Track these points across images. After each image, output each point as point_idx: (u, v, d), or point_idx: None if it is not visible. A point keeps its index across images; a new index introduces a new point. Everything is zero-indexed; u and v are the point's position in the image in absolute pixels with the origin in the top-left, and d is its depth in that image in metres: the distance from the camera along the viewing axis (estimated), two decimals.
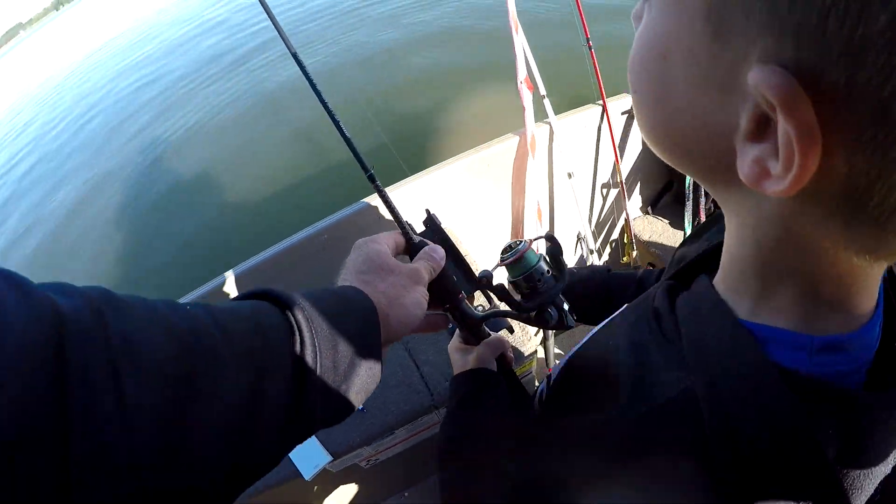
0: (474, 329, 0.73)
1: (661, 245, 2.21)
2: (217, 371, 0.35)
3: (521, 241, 0.67)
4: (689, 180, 2.05)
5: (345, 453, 1.39)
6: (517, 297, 0.67)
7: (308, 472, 1.35)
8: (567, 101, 2.24)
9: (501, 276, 0.67)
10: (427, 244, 0.64)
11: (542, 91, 1.92)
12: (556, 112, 1.97)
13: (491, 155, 1.95)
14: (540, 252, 0.67)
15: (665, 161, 0.36)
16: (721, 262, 0.40)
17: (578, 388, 0.51)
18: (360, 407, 1.37)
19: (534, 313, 0.66)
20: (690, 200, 2.07)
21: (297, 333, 0.43)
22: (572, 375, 0.54)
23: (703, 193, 2.03)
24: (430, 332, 0.71)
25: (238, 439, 0.36)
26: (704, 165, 0.33)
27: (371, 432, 1.38)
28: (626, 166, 2.23)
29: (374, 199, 1.62)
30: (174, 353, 0.33)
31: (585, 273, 0.92)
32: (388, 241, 0.61)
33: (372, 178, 0.67)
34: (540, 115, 1.95)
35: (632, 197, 2.33)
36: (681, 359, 0.37)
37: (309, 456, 1.36)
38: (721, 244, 0.40)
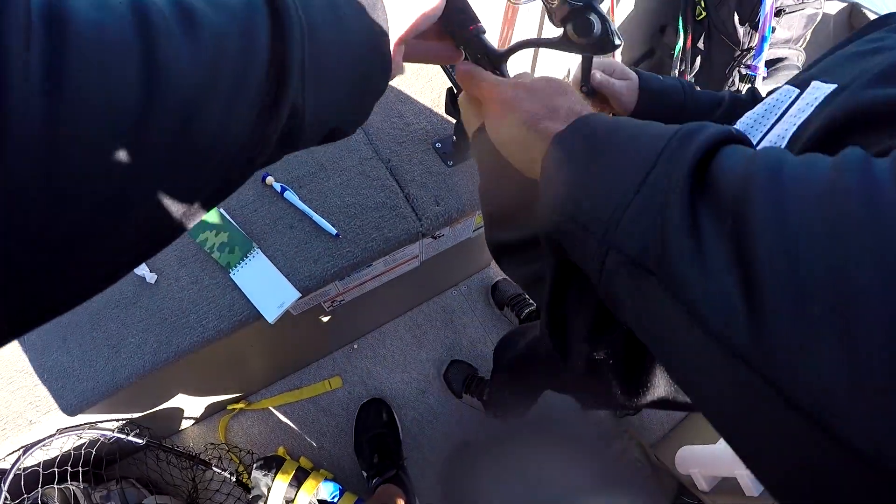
0: (496, 69, 0.57)
1: None
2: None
3: None
4: (678, 49, 1.87)
5: (314, 289, 1.11)
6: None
7: (272, 314, 1.06)
8: None
9: None
10: None
11: None
12: None
13: None
14: None
15: None
16: None
17: None
18: (335, 232, 1.09)
19: (569, 26, 0.49)
20: (677, 69, 1.93)
21: None
22: None
23: (688, 65, 1.89)
24: (436, 63, 0.63)
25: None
26: None
27: (345, 262, 1.11)
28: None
29: None
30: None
31: (659, 85, 0.82)
32: None
33: None
34: None
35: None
36: None
37: (273, 295, 1.07)
38: None
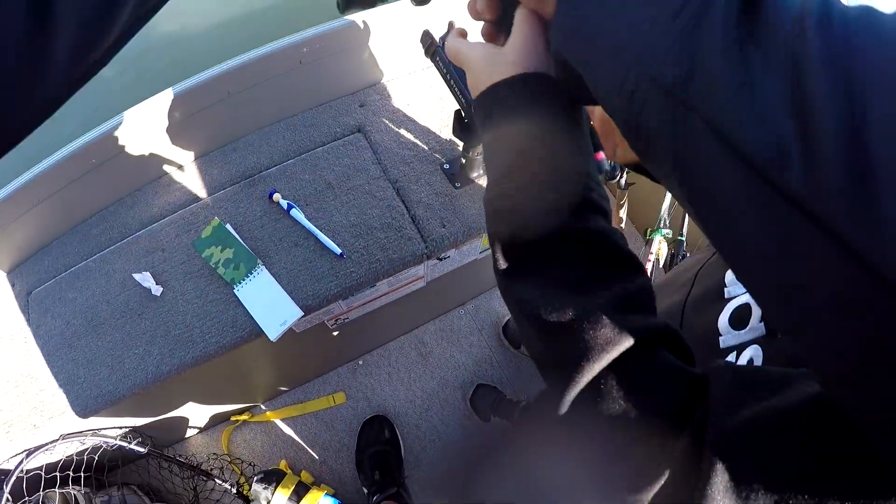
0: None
1: None
2: None
3: None
4: None
5: (317, 307, 1.12)
6: None
7: (274, 332, 1.07)
8: None
9: None
10: None
11: None
12: None
13: None
14: None
15: None
16: None
17: None
18: (340, 251, 1.10)
19: None
20: None
21: None
22: None
23: None
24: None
25: None
26: None
27: (349, 283, 1.12)
28: None
29: (363, 16, 1.25)
30: None
31: None
32: None
33: None
34: None
35: None
36: None
37: (275, 312, 1.08)
38: None
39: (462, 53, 0.48)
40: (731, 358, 0.55)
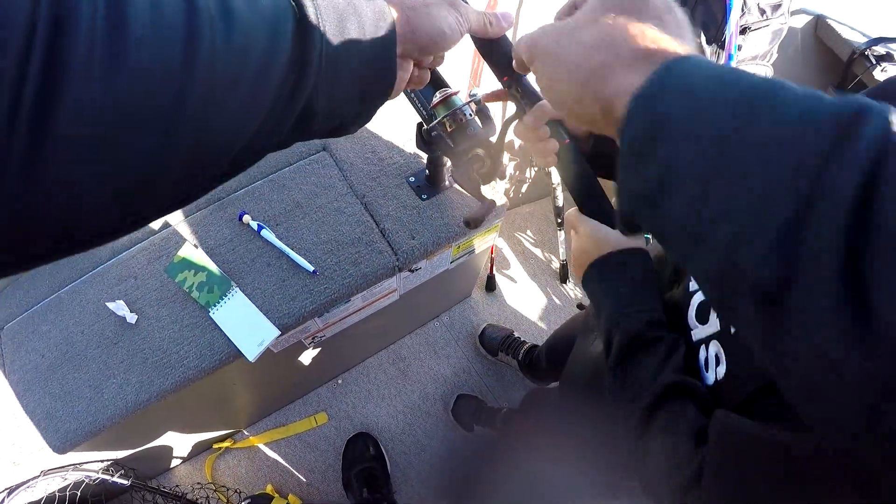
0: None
1: None
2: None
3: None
4: None
5: (294, 326, 1.14)
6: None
7: (252, 353, 1.08)
8: None
9: None
10: None
11: None
12: None
13: None
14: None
15: None
16: None
17: None
18: (312, 269, 1.12)
19: None
20: None
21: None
22: None
23: None
24: (492, 101, 0.68)
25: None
26: None
27: (324, 299, 1.14)
28: None
29: None
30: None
31: None
32: None
33: None
34: None
35: None
36: None
37: (252, 333, 1.10)
38: None
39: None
40: (701, 351, 0.59)
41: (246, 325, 1.10)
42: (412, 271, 1.30)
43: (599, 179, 0.55)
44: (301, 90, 0.40)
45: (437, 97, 0.70)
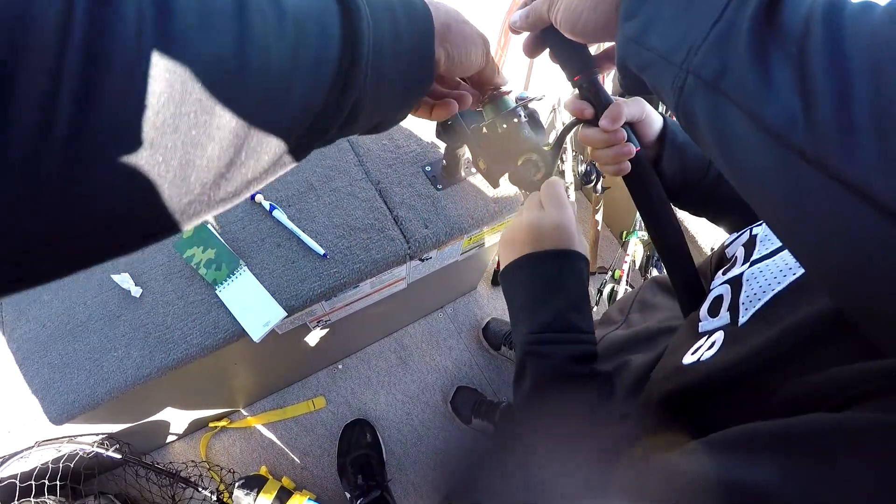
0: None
1: None
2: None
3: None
4: None
5: (300, 308, 1.12)
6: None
7: (257, 333, 1.06)
8: None
9: None
10: None
11: None
12: None
13: None
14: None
15: None
16: None
17: None
18: (323, 252, 1.10)
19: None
20: None
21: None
22: None
23: None
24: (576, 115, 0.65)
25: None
26: None
27: (332, 283, 1.12)
28: None
29: None
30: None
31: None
32: None
33: None
34: None
35: None
36: None
37: (258, 313, 1.08)
38: None
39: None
40: (702, 340, 0.57)
41: (252, 305, 1.08)
42: (422, 260, 1.28)
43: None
44: (350, 87, 0.39)
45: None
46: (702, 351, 0.53)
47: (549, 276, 0.62)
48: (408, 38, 0.45)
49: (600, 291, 1.80)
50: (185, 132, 0.29)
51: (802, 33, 0.33)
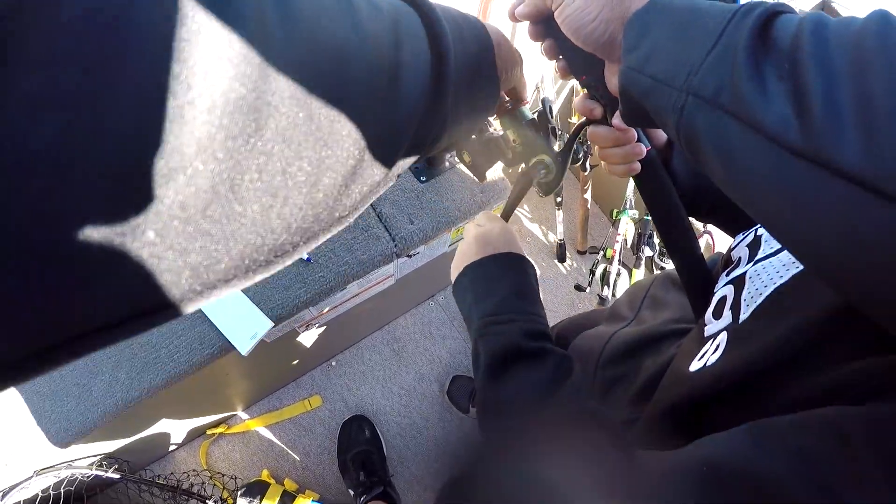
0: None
1: None
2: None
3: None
4: None
5: (287, 316, 1.10)
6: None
7: (245, 346, 1.04)
8: None
9: None
10: None
11: None
12: None
13: None
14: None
15: None
16: None
17: None
18: (307, 257, 1.08)
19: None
20: None
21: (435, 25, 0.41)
22: None
23: None
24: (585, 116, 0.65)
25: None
26: None
27: (318, 288, 1.10)
28: None
29: None
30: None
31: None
32: None
33: None
34: None
35: None
36: None
37: (245, 325, 1.05)
38: None
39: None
40: (707, 345, 0.57)
41: (238, 317, 1.05)
42: (410, 257, 1.26)
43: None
44: (444, 90, 0.41)
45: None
46: (708, 355, 0.52)
47: (490, 274, 0.67)
48: (474, 47, 0.46)
49: (592, 272, 1.79)
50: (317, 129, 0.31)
51: (793, 48, 0.36)
